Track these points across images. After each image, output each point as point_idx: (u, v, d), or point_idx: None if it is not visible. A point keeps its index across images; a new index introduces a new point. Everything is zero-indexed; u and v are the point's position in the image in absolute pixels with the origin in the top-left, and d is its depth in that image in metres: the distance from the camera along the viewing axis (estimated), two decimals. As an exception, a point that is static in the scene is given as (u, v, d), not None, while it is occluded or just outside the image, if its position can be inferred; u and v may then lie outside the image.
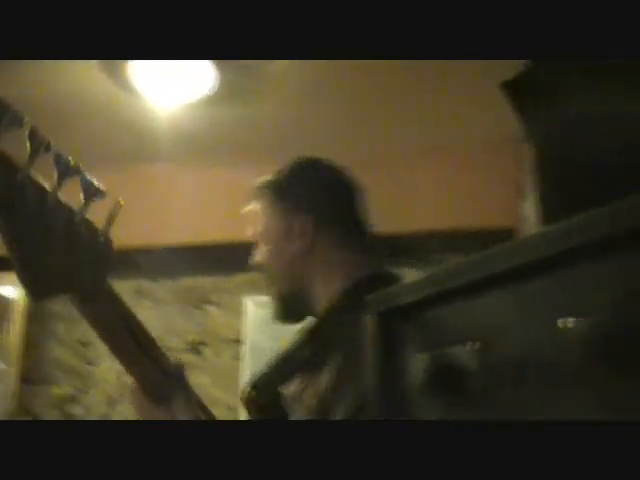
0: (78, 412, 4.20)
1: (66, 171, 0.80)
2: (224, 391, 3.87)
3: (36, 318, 4.38)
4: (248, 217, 1.53)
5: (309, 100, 3.43)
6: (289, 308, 1.48)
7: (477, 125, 3.48)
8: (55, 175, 0.81)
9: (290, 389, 1.37)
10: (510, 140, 3.14)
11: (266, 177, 1.53)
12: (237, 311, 4.14)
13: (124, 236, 4.08)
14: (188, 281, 4.30)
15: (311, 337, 1.40)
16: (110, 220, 0.86)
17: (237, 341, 4.14)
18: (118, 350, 1.06)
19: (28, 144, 0.77)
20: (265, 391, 1.36)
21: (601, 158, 1.49)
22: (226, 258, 4.09)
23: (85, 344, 4.22)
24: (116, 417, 4.03)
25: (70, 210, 0.84)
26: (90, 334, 3.63)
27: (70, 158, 0.82)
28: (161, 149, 3.73)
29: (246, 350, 4.09)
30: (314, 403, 1.28)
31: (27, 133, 0.76)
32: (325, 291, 1.42)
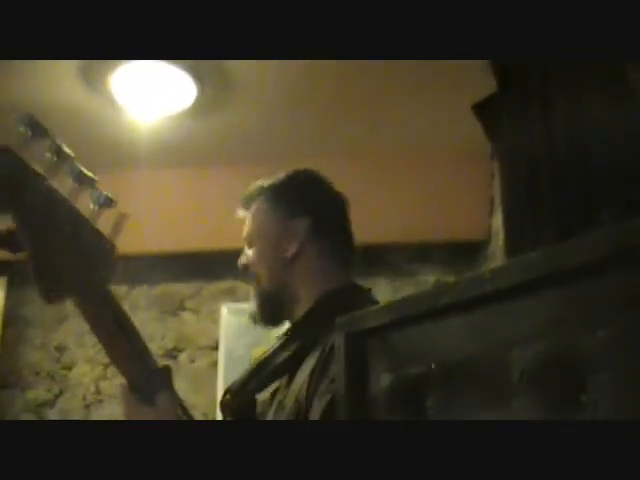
0: (54, 416, 4.21)
1: (80, 181, 0.86)
2: (200, 396, 3.92)
3: (12, 324, 4.40)
4: (240, 221, 1.56)
5: (284, 109, 3.47)
6: (270, 311, 1.51)
7: (451, 136, 3.54)
8: (70, 184, 0.86)
9: (265, 395, 1.43)
10: (483, 154, 3.24)
11: (259, 182, 1.56)
12: (213, 318, 4.17)
13: (131, 244, 4.11)
14: (165, 288, 4.32)
15: (286, 343, 1.44)
16: (117, 230, 0.91)
17: (213, 348, 4.17)
18: (113, 350, 1.11)
19: (49, 154, 0.83)
20: (239, 396, 1.42)
21: (564, 176, 1.57)
22: (203, 266, 4.14)
23: (60, 349, 4.23)
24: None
25: (82, 219, 0.90)
26: (66, 339, 3.67)
27: (84, 170, 0.88)
28: (139, 157, 3.77)
29: (221, 357, 4.12)
30: (290, 405, 1.33)
31: (49, 144, 0.82)
32: (305, 296, 1.46)
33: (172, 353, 4.20)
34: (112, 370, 4.12)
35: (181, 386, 3.90)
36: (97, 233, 0.91)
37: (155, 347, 4.13)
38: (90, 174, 0.89)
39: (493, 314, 0.72)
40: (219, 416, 1.50)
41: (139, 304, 4.27)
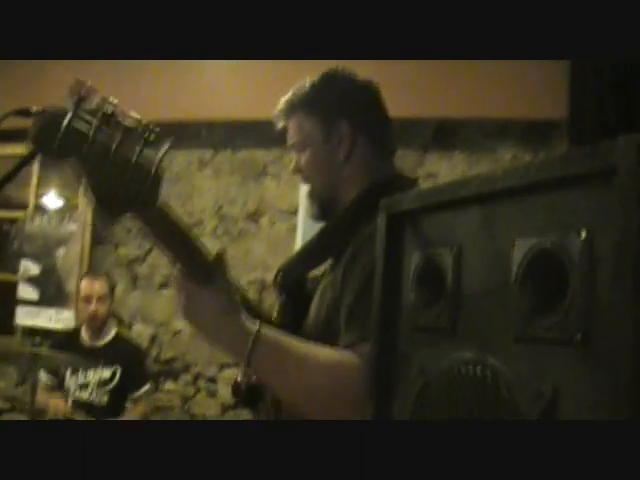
0: (145, 271, 4.51)
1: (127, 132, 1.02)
2: (278, 258, 4.09)
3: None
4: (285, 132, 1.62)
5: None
6: (324, 208, 1.59)
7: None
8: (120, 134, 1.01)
9: (316, 273, 1.56)
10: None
11: (292, 93, 1.59)
12: (293, 184, 4.23)
13: (189, 109, 4.27)
14: (247, 154, 4.45)
15: (331, 230, 1.55)
16: (161, 159, 1.05)
17: (292, 213, 4.32)
18: (169, 250, 1.24)
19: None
20: (289, 276, 1.55)
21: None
22: (284, 133, 4.24)
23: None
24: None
25: (131, 162, 1.02)
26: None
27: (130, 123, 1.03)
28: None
29: (300, 221, 4.25)
30: (331, 293, 1.44)
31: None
32: (353, 191, 1.53)
33: (253, 217, 4.37)
34: (198, 230, 4.36)
35: (260, 248, 4.14)
36: (148, 161, 1.03)
37: (237, 211, 4.31)
38: (133, 124, 1.02)
39: (502, 209, 0.83)
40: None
41: (223, 169, 4.42)
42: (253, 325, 1.27)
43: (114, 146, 0.99)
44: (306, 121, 1.55)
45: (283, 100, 1.60)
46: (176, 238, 1.21)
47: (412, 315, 1.00)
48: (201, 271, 1.24)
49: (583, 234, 0.69)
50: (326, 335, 1.39)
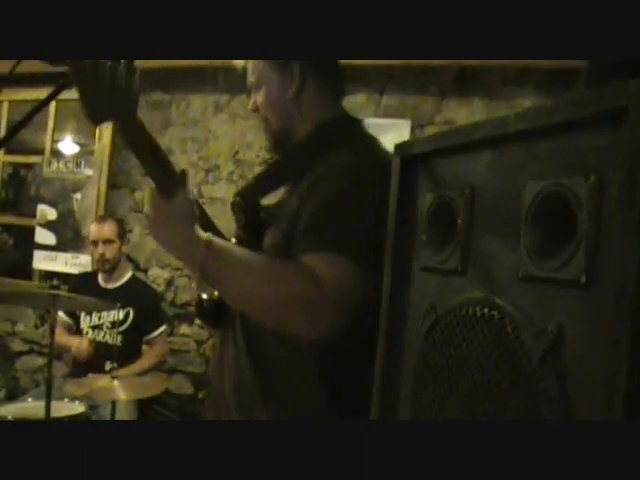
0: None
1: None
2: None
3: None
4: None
5: None
6: (277, 143, 1.71)
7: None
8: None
9: (271, 202, 1.66)
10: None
11: None
12: None
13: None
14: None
15: (287, 160, 1.69)
16: (137, 78, 1.20)
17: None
18: (142, 161, 1.37)
19: None
20: (247, 199, 1.66)
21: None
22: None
23: (170, 152, 4.43)
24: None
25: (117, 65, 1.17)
26: (171, 144, 3.89)
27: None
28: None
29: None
30: (286, 217, 1.53)
31: None
32: (303, 127, 1.66)
33: (269, 161, 4.37)
34: (214, 175, 4.37)
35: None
36: (129, 74, 1.19)
37: (253, 155, 4.31)
38: None
39: (513, 152, 0.84)
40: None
41: (238, 113, 4.41)
42: (205, 235, 1.37)
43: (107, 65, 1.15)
44: (261, 62, 1.67)
45: None
46: (149, 152, 1.33)
47: (423, 255, 1.02)
48: (168, 185, 1.36)
49: (592, 177, 0.70)
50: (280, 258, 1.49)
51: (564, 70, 3.69)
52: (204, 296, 1.68)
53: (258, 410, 1.56)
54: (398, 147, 1.09)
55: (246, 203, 1.67)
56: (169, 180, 1.36)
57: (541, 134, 0.78)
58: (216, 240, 1.38)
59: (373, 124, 4.02)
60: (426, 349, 0.98)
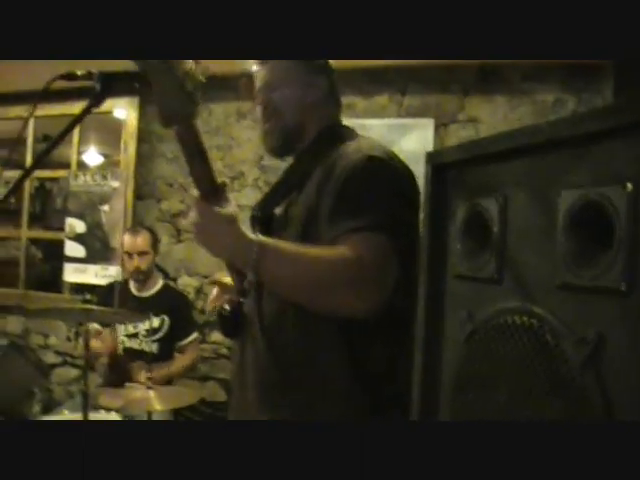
0: (186, 225, 4.55)
1: None
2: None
3: (145, 140, 4.70)
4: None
5: None
6: (286, 143, 1.79)
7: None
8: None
9: (281, 210, 1.72)
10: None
11: None
12: None
13: (227, 63, 4.24)
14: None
15: (295, 167, 1.77)
16: (200, 85, 1.25)
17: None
18: (193, 169, 1.44)
19: None
20: (263, 211, 1.74)
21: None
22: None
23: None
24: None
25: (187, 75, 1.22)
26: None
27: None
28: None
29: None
30: (303, 211, 1.61)
31: None
32: (312, 130, 1.76)
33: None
34: (239, 182, 4.39)
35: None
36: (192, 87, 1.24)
37: (277, 161, 4.29)
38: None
39: (547, 161, 0.84)
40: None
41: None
42: (253, 235, 1.47)
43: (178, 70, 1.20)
44: (287, 65, 1.77)
45: None
46: (199, 157, 1.41)
47: (459, 263, 1.02)
48: (212, 193, 1.46)
49: (629, 185, 0.70)
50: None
51: (585, 65, 3.67)
52: (226, 306, 1.71)
53: (281, 410, 1.59)
54: (429, 156, 1.09)
55: (263, 214, 1.73)
56: (213, 188, 1.45)
57: (575, 142, 0.78)
58: (264, 239, 1.46)
59: (396, 124, 4.04)
60: (465, 357, 0.98)
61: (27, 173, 1.30)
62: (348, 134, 1.76)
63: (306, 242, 1.53)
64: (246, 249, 1.44)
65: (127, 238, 3.93)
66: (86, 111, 1.33)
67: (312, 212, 1.57)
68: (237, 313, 1.70)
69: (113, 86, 1.34)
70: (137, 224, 4.56)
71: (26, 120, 1.59)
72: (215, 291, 1.91)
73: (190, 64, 1.18)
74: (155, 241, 3.97)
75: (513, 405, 0.86)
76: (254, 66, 1.83)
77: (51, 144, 1.34)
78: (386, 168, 1.57)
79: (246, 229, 1.48)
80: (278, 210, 1.73)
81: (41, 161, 1.36)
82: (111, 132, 5.11)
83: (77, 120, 1.37)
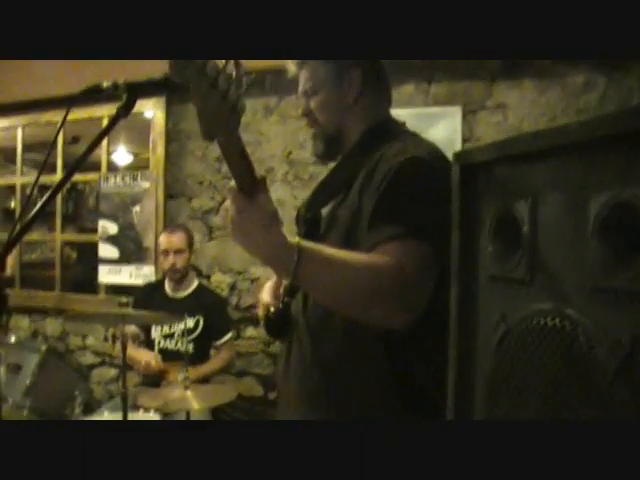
0: (219, 222, 4.59)
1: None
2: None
3: (174, 139, 4.73)
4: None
5: None
6: (329, 147, 1.78)
7: None
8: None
9: (326, 211, 1.71)
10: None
11: None
12: None
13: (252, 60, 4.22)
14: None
15: (340, 168, 1.74)
16: (242, 95, 1.19)
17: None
18: (233, 167, 1.36)
19: None
20: (308, 212, 1.72)
21: None
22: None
23: (220, 160, 4.51)
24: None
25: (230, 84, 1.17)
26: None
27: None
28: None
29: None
30: (347, 213, 1.59)
31: None
32: (355, 132, 1.73)
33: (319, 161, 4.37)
34: (269, 177, 4.36)
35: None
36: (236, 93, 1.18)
37: (307, 155, 4.32)
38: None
39: (577, 162, 0.83)
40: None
41: (289, 113, 4.43)
42: (293, 239, 1.40)
43: (223, 88, 1.14)
44: (321, 68, 1.74)
45: None
46: (239, 157, 1.33)
47: (490, 265, 1.02)
48: (251, 188, 1.36)
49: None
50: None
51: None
52: (271, 309, 1.71)
53: (323, 409, 1.59)
54: (457, 156, 1.09)
55: (310, 214, 1.72)
56: (252, 183, 1.36)
57: (605, 144, 0.77)
58: (305, 243, 1.40)
59: (424, 113, 4.02)
60: (499, 360, 0.97)
61: (58, 187, 1.31)
62: (393, 132, 1.71)
63: (349, 246, 1.50)
64: (286, 252, 1.37)
65: (163, 236, 3.98)
66: (114, 122, 1.35)
67: (355, 216, 1.56)
68: (283, 314, 1.70)
69: (139, 95, 1.35)
70: (169, 223, 4.61)
71: (58, 129, 1.58)
72: (263, 299, 1.84)
73: (231, 70, 1.15)
74: (191, 240, 4.01)
75: (546, 409, 0.85)
76: (292, 71, 1.82)
77: (82, 156, 1.36)
78: (428, 170, 1.51)
79: (286, 233, 1.40)
80: (325, 211, 1.71)
81: (73, 174, 1.37)
82: (140, 131, 5.15)
83: (106, 131, 1.39)
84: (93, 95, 1.28)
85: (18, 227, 1.24)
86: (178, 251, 3.89)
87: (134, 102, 1.34)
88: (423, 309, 1.42)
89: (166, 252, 3.91)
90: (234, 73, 1.15)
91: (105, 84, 1.32)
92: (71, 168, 1.35)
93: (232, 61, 1.15)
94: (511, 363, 0.94)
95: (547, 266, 0.89)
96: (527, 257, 0.92)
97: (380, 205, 1.48)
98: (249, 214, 1.35)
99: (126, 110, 1.33)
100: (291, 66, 1.82)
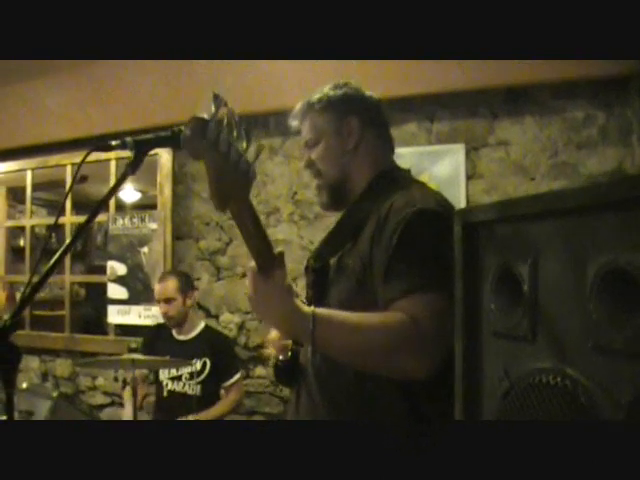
0: (226, 262, 4.61)
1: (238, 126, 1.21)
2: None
3: (181, 181, 4.78)
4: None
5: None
6: (334, 197, 1.79)
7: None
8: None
9: (336, 258, 1.71)
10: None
11: (307, 99, 1.82)
12: None
13: (256, 101, 4.27)
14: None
15: (349, 216, 1.75)
16: (254, 162, 1.24)
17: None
18: (249, 242, 1.40)
19: (213, 107, 1.16)
20: (317, 261, 1.75)
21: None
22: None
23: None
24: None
25: (240, 155, 1.22)
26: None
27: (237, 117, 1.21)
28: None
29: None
30: (352, 263, 1.62)
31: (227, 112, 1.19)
32: (362, 179, 1.75)
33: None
34: (275, 218, 4.43)
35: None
36: (246, 166, 1.22)
37: (311, 195, 4.34)
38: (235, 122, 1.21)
39: (576, 225, 0.86)
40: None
41: (294, 154, 4.47)
42: (308, 308, 1.46)
43: (235, 159, 1.19)
44: (319, 118, 1.78)
45: (299, 104, 1.84)
46: (254, 229, 1.37)
47: (492, 321, 1.04)
48: (267, 264, 1.42)
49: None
50: (357, 302, 1.56)
51: (613, 79, 3.65)
52: (280, 357, 1.74)
53: None
54: (459, 214, 1.12)
55: (319, 263, 1.74)
56: (269, 259, 1.42)
57: (603, 208, 0.80)
58: (319, 311, 1.46)
59: (427, 152, 4.05)
60: (503, 413, 0.99)
61: (69, 246, 1.33)
62: (400, 181, 1.73)
63: (361, 295, 1.55)
64: (302, 321, 1.44)
65: (155, 286, 4.01)
66: (123, 179, 1.37)
67: (366, 265, 1.58)
68: (291, 363, 1.74)
69: (147, 152, 1.38)
70: (177, 264, 4.64)
71: (74, 177, 1.62)
72: (272, 348, 1.88)
73: (242, 142, 1.19)
74: (185, 286, 3.96)
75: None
76: (295, 122, 1.86)
77: (93, 212, 1.38)
78: (437, 221, 1.52)
79: (300, 303, 1.47)
80: (333, 260, 1.73)
81: (84, 231, 1.40)
82: (146, 169, 5.18)
83: (115, 188, 1.41)
84: (103, 151, 1.32)
85: (36, 277, 1.26)
86: (167, 300, 3.88)
87: (142, 160, 1.37)
88: (444, 358, 1.40)
89: (158, 301, 3.93)
90: (245, 144, 1.21)
91: (114, 142, 1.35)
92: (79, 229, 1.38)
93: (244, 134, 1.21)
94: (516, 418, 0.96)
95: (548, 324, 0.91)
96: (529, 315, 0.94)
97: (392, 261, 1.51)
98: (265, 292, 1.44)
99: (134, 168, 1.36)
100: (294, 121, 1.85)
